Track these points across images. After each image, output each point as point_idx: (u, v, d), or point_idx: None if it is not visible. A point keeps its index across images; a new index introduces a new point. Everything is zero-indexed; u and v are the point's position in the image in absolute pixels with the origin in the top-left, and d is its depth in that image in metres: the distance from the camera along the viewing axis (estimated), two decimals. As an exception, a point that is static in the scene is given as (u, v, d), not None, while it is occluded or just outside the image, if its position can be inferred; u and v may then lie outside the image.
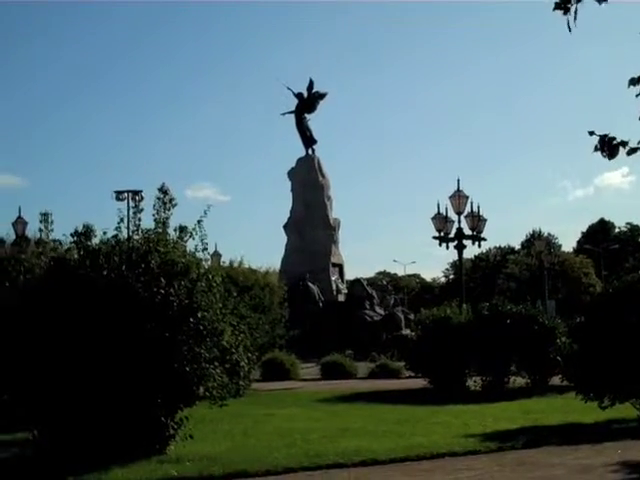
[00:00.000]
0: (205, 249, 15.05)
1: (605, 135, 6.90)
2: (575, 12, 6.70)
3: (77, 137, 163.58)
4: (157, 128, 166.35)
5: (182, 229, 14.82)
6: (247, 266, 36.89)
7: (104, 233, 14.62)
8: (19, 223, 37.55)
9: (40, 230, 15.51)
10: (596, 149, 6.91)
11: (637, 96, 6.77)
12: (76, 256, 14.53)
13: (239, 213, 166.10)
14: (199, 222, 14.73)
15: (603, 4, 6.67)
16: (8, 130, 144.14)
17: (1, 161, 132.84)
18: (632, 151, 6.86)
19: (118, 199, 46.19)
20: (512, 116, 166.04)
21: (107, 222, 14.76)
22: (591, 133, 6.90)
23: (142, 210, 14.90)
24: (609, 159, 6.89)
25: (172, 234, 14.77)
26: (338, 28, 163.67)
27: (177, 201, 15.05)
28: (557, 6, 6.75)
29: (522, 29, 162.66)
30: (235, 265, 36.48)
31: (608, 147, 6.87)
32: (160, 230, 14.63)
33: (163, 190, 14.98)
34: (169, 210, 14.89)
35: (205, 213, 14.76)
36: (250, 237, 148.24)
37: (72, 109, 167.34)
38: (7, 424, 15.23)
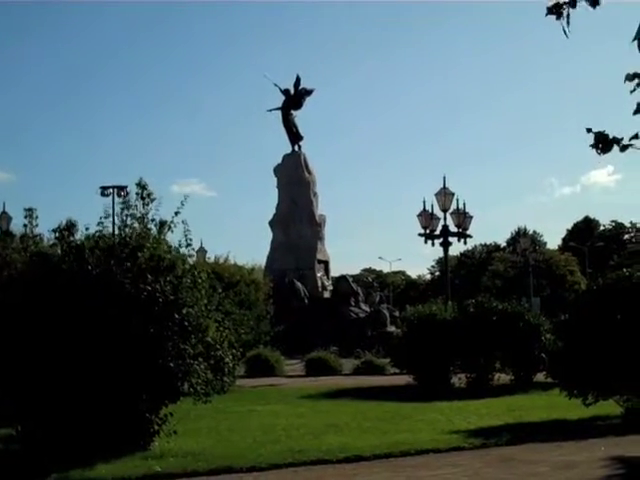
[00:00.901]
0: (189, 245, 15.01)
1: (601, 132, 6.96)
2: (568, 17, 6.69)
3: (66, 134, 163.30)
4: (144, 124, 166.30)
5: (162, 224, 14.75)
6: (233, 262, 36.89)
7: (86, 229, 14.59)
8: (3, 218, 37.39)
9: (24, 225, 15.45)
10: (592, 146, 6.97)
11: (632, 92, 6.80)
12: (59, 251, 14.48)
13: (225, 209, 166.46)
14: (176, 213, 14.65)
15: (597, 8, 6.67)
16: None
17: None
18: (624, 148, 6.91)
19: (103, 194, 46.04)
20: (499, 113, 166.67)
21: (95, 218, 14.70)
22: (589, 130, 6.96)
23: (131, 206, 14.83)
24: (602, 154, 6.95)
25: (153, 229, 14.72)
26: (325, 26, 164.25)
27: (156, 196, 14.95)
28: (549, 11, 6.74)
29: (510, 27, 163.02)
30: (221, 261, 36.46)
31: (602, 144, 6.93)
32: (137, 225, 14.56)
33: (141, 185, 14.92)
34: (147, 205, 14.84)
35: (182, 204, 14.68)
36: (236, 233, 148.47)
37: (62, 106, 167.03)
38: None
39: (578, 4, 6.64)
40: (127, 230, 14.57)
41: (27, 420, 13.96)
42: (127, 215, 14.74)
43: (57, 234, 14.72)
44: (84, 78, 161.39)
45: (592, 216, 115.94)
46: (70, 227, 14.75)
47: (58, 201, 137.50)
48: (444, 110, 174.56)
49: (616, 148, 6.96)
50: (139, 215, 14.70)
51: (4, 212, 37.68)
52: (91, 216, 14.49)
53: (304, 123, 63.28)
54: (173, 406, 14.18)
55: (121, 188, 43.60)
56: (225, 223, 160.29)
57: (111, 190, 45.77)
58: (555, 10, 6.73)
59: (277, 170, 60.19)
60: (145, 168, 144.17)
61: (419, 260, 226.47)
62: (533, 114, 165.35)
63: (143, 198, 14.82)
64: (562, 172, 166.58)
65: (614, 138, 6.94)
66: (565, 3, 6.68)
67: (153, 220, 14.77)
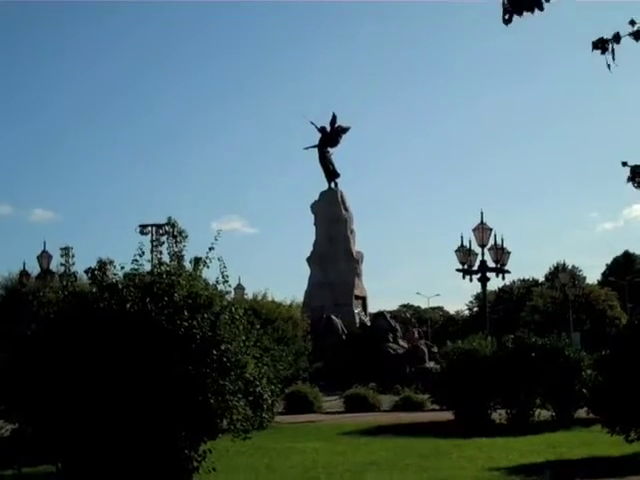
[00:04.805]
0: (226, 281, 15.02)
1: (637, 166, 6.94)
2: (612, 51, 6.70)
3: (106, 171, 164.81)
4: (183, 162, 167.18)
5: (197, 260, 14.83)
6: (271, 299, 36.99)
7: (122, 268, 14.63)
8: (44, 257, 37.83)
9: (62, 264, 15.60)
10: (628, 180, 6.95)
11: None
12: (94, 290, 14.56)
13: (267, 246, 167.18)
14: (210, 249, 14.70)
15: None
16: (43, 165, 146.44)
17: (38, 196, 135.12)
18: None
19: (142, 233, 46.32)
20: (540, 146, 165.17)
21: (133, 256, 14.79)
22: (624, 164, 6.95)
23: (163, 243, 14.96)
24: (638, 188, 6.93)
25: (188, 266, 14.79)
26: (360, 61, 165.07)
27: (187, 233, 15.11)
28: (595, 46, 6.74)
29: (554, 59, 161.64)
30: (259, 298, 36.59)
31: (639, 177, 6.92)
32: (175, 263, 14.65)
33: (171, 223, 15.05)
34: (180, 243, 14.94)
35: (216, 239, 14.75)
36: (276, 269, 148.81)
37: (106, 144, 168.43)
38: (30, 457, 15.24)
39: (622, 39, 6.65)
40: (162, 268, 14.65)
41: (67, 457, 14.01)
42: (160, 252, 14.88)
43: (89, 274, 14.82)
44: (121, 117, 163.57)
45: (632, 250, 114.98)
46: (102, 266, 14.83)
47: (99, 239, 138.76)
48: (482, 144, 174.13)
49: None
50: (172, 252, 14.81)
51: (44, 251, 38.11)
52: (131, 254, 14.58)
53: (341, 159, 63.56)
54: (212, 443, 14.18)
55: (160, 226, 43.84)
56: (266, 260, 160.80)
57: (149, 228, 46.08)
58: (600, 45, 6.74)
59: (314, 207, 60.35)
60: (187, 206, 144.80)
61: (457, 296, 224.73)
62: (575, 148, 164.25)
63: (175, 236, 14.94)
64: (604, 207, 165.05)
65: None
66: (610, 39, 6.68)
67: (182, 256, 14.82)
